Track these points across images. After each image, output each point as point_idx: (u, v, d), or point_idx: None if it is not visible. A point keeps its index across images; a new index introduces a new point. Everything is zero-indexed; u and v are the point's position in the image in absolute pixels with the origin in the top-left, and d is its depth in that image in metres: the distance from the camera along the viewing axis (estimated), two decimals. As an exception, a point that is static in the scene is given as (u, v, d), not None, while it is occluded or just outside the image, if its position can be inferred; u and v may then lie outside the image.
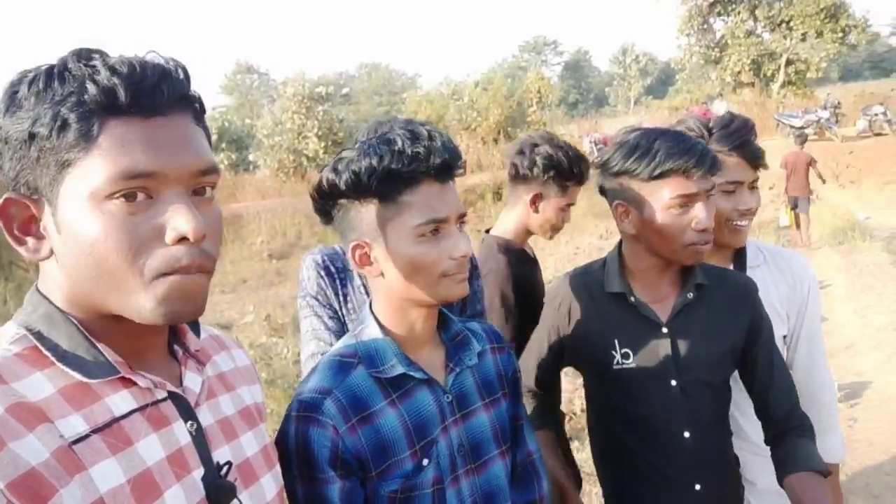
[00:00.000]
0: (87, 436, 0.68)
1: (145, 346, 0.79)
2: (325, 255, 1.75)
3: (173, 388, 0.79)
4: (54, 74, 0.69)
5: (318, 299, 1.71)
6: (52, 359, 0.71)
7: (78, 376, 0.71)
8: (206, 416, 0.83)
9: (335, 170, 1.07)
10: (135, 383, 0.75)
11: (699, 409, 1.42)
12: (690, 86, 31.31)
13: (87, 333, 0.73)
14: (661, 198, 1.34)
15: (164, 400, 0.78)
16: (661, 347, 1.42)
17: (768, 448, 1.47)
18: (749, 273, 1.62)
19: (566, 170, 1.99)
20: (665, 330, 1.42)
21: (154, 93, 0.70)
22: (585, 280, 1.53)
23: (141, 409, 0.75)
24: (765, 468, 1.58)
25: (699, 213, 1.33)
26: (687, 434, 1.42)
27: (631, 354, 1.43)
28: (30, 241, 0.72)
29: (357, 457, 1.04)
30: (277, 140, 21.90)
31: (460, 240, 1.07)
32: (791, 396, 1.45)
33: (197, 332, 0.90)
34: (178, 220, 0.70)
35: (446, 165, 1.05)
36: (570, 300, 1.52)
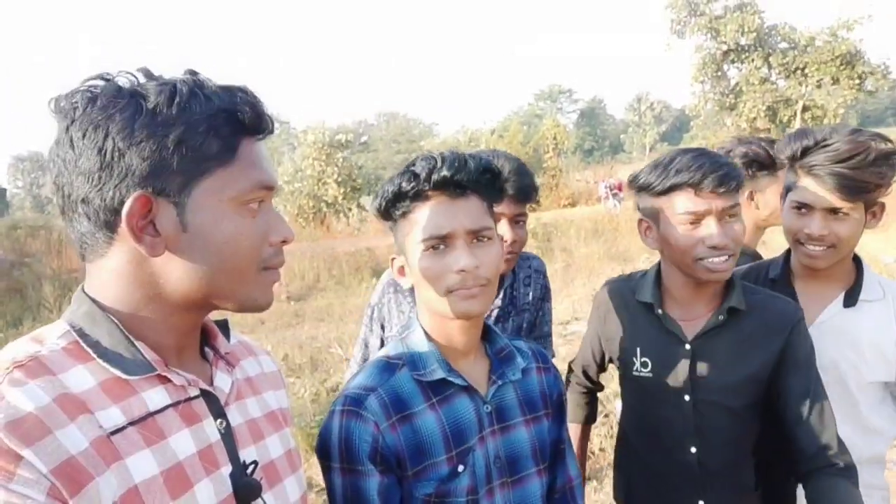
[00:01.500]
0: (123, 427, 0.73)
1: (182, 346, 0.84)
2: None
3: (205, 387, 0.83)
4: (196, 93, 0.77)
5: (373, 312, 1.84)
6: (93, 355, 0.75)
7: (117, 373, 0.75)
8: (234, 416, 0.87)
9: (376, 196, 1.17)
10: (169, 380, 0.79)
11: (710, 428, 1.41)
12: (706, 132, 31.48)
13: (126, 332, 0.78)
14: (673, 212, 1.34)
15: (196, 397, 0.82)
16: (680, 363, 1.42)
17: None
18: (860, 306, 1.53)
19: (764, 157, 2.09)
20: (688, 347, 1.42)
21: (265, 117, 0.83)
22: (622, 287, 1.58)
23: (174, 405, 0.79)
24: None
25: (710, 230, 1.32)
26: (693, 450, 1.42)
27: (649, 363, 1.45)
28: (147, 238, 0.77)
29: (395, 454, 1.07)
30: (298, 186, 22.27)
31: (462, 255, 1.07)
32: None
33: (227, 335, 0.94)
34: (285, 227, 0.87)
35: (452, 180, 1.08)
36: (607, 304, 1.59)
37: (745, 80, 25.23)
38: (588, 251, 12.01)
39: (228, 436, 0.84)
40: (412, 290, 1.75)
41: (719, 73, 26.09)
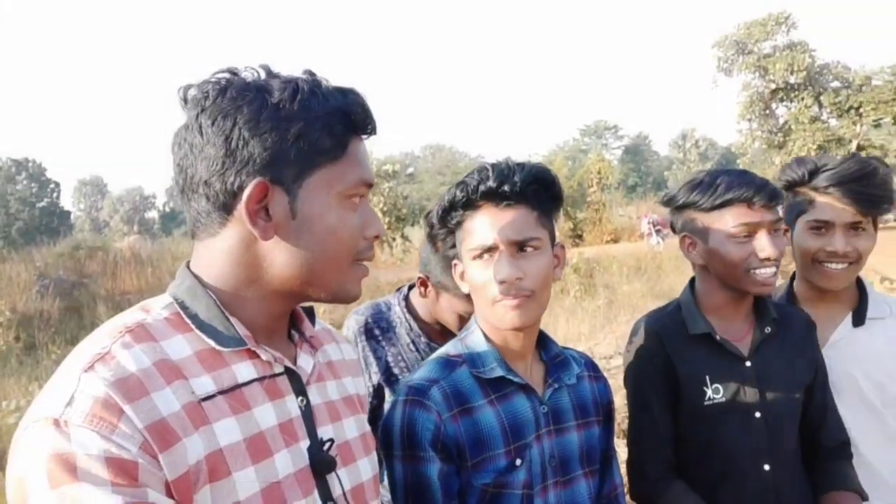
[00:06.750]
0: (213, 395, 0.79)
1: (273, 326, 0.90)
2: (369, 316, 1.75)
3: (289, 365, 0.89)
4: (315, 91, 0.84)
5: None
6: (192, 326, 0.83)
7: (212, 343, 0.82)
8: (314, 396, 0.93)
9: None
10: (257, 356, 0.85)
11: (779, 441, 1.46)
12: (753, 170, 30.86)
13: (222, 308, 0.84)
14: (724, 226, 1.41)
15: (280, 374, 0.88)
16: (746, 382, 1.46)
17: None
18: (868, 325, 1.59)
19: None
20: (748, 364, 1.47)
21: (372, 119, 0.90)
22: (667, 323, 1.55)
23: (260, 379, 0.85)
24: None
25: (762, 242, 1.39)
26: (767, 467, 1.44)
27: (721, 389, 1.46)
28: (260, 222, 0.82)
29: (456, 444, 1.12)
30: (343, 215, 22.62)
31: (504, 266, 1.12)
32: (842, 434, 1.52)
33: (313, 321, 1.01)
34: (379, 223, 0.92)
35: (498, 190, 1.13)
36: (659, 346, 1.52)
37: (795, 118, 24.74)
38: (631, 289, 11.89)
39: (308, 413, 0.89)
40: (383, 332, 1.69)
41: (767, 112, 25.65)
